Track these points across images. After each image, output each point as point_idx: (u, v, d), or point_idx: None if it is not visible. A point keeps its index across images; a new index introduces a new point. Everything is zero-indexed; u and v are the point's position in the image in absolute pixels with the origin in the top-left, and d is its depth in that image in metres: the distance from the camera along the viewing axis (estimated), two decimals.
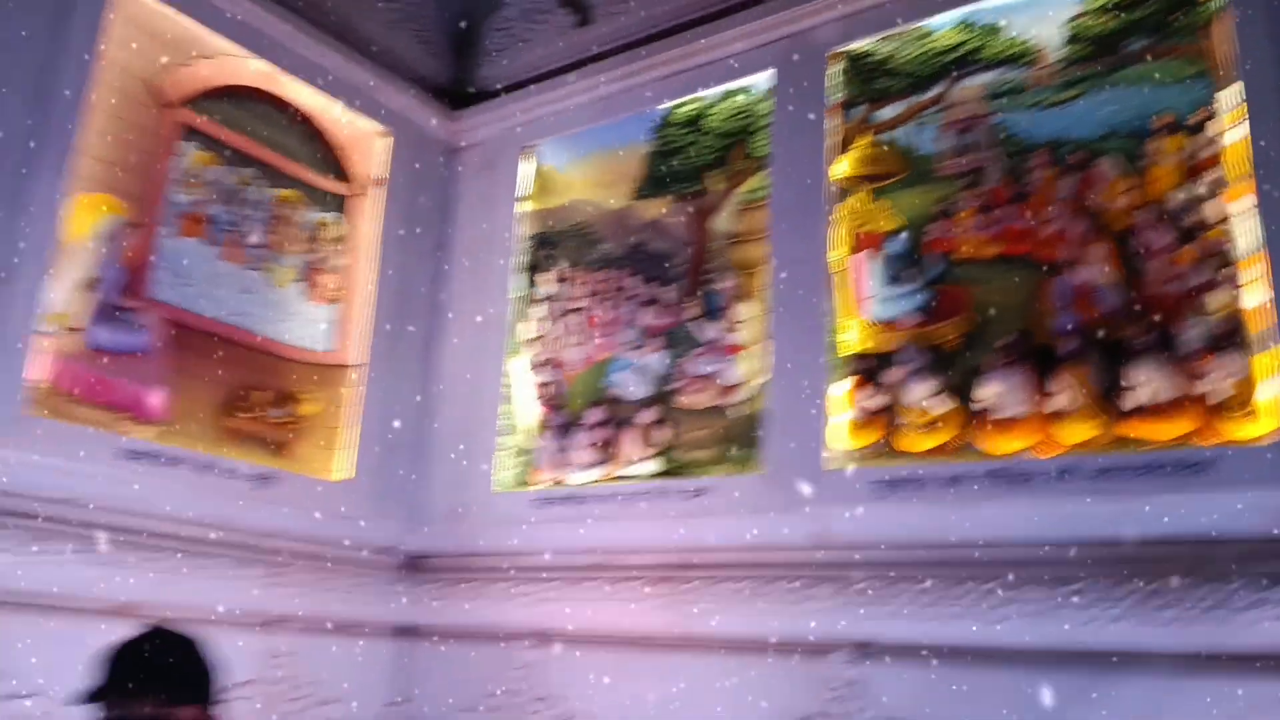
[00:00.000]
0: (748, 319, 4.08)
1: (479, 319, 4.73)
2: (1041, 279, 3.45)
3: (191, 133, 4.13)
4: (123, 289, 3.79)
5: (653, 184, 4.54)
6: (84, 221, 3.67)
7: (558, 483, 4.28)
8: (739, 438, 3.93)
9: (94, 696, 1.93)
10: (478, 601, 4.28)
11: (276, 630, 4.04)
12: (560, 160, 4.87)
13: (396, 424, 4.59)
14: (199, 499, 3.81)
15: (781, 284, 3.89)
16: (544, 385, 4.58)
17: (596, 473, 4.19)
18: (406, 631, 4.55)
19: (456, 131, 5.04)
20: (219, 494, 3.87)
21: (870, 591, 3.38)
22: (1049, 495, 3.17)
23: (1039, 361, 3.37)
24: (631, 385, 4.28)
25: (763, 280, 4.02)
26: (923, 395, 3.53)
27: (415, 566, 4.61)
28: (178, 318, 3.98)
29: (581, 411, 4.38)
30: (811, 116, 3.99)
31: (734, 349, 4.08)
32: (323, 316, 4.54)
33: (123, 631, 3.48)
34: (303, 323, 4.45)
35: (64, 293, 3.57)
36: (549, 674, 4.04)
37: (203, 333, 4.06)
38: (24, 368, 3.35)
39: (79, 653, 3.40)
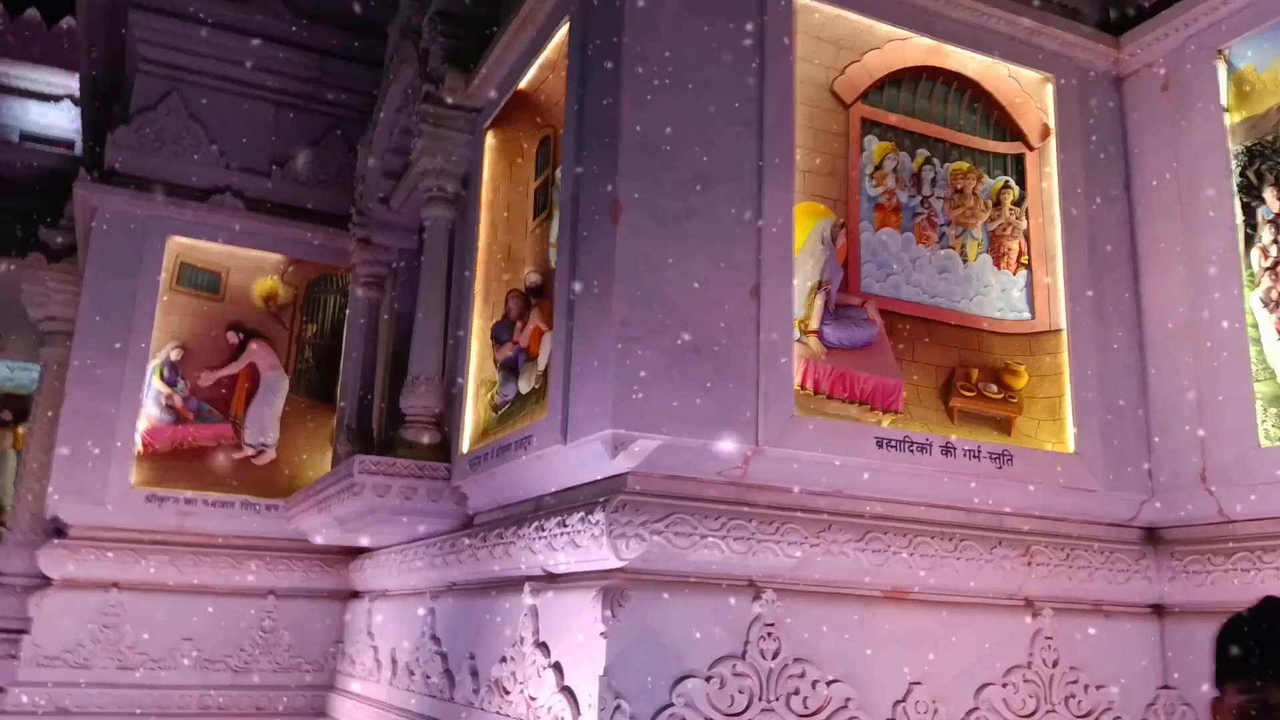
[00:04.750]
0: None
1: (1191, 257, 4.19)
2: None
3: (870, 125, 4.21)
4: (843, 287, 3.95)
5: None
6: (803, 229, 3.88)
7: None
8: None
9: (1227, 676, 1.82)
10: (1259, 573, 3.74)
11: (1037, 612, 3.91)
12: (1261, 58, 4.15)
13: (1116, 386, 4.23)
14: (946, 482, 3.83)
15: None
16: None
17: None
18: (1159, 610, 4.16)
19: (1122, 59, 4.56)
20: (962, 475, 3.84)
21: None
22: None
23: None
24: None
25: None
26: None
27: (1160, 538, 4.21)
28: (887, 307, 4.05)
29: None
30: None
31: None
32: (1016, 284, 4.34)
33: (895, 615, 3.60)
34: (998, 294, 4.30)
35: (800, 299, 3.80)
36: None
37: (911, 319, 4.08)
38: (791, 373, 3.61)
39: (868, 637, 3.60)
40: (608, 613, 3.15)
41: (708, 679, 3.25)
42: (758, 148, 3.74)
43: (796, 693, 3.37)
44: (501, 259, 4.96)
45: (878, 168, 4.21)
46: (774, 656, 3.37)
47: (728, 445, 3.43)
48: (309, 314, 7.48)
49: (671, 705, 3.18)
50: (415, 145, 5.31)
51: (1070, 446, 4.10)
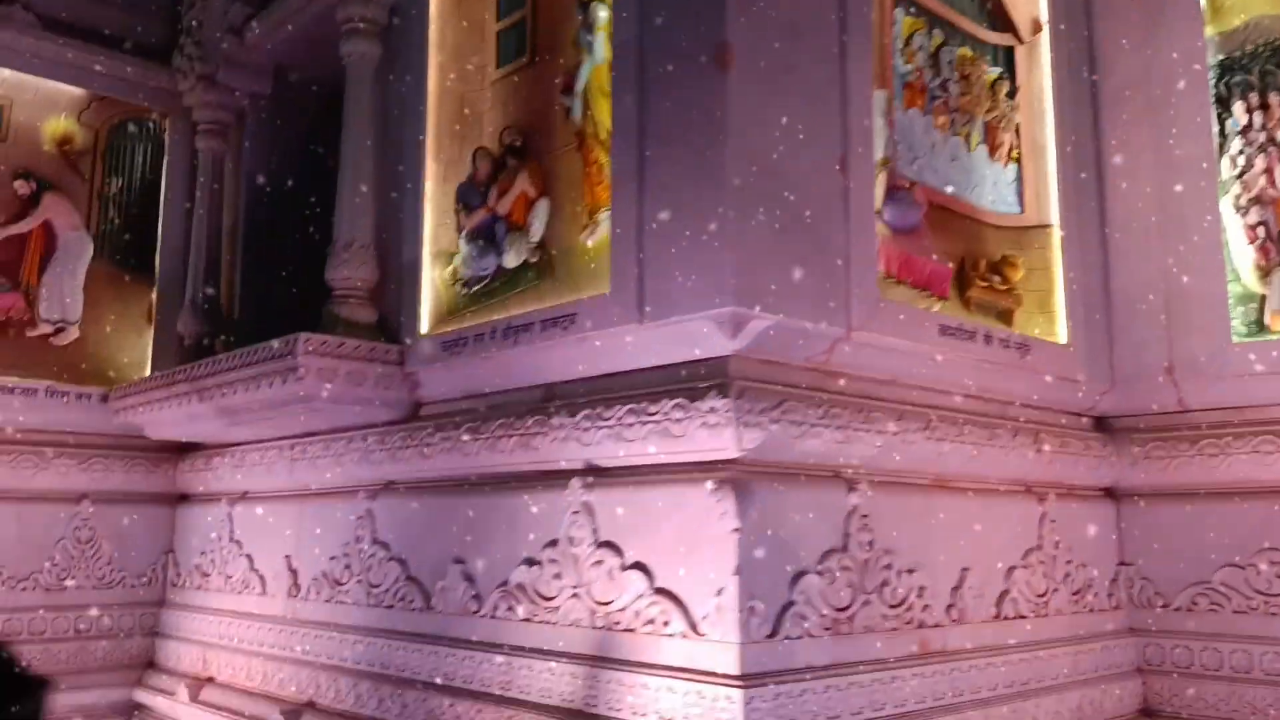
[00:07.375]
0: None
1: (1165, 159, 4.39)
2: None
3: None
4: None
5: None
6: None
7: None
8: None
9: None
10: (1226, 458, 4.08)
11: (1042, 497, 4.04)
12: None
13: (1092, 281, 4.40)
14: (984, 370, 3.81)
15: None
16: (1255, 226, 4.22)
17: None
18: (1111, 493, 4.45)
19: None
20: (995, 364, 3.84)
21: None
22: None
23: None
24: None
25: None
26: None
27: (1110, 426, 4.47)
28: None
29: None
30: None
31: None
32: (1007, 177, 4.36)
33: (944, 503, 3.57)
34: (993, 185, 4.30)
35: None
36: None
37: (931, 205, 3.99)
38: (876, 254, 3.39)
39: (929, 526, 3.54)
40: (739, 507, 2.85)
41: (819, 573, 3.05)
42: (838, 19, 3.42)
43: (886, 584, 3.26)
44: (452, 110, 4.29)
45: (907, 43, 4.02)
46: (870, 548, 3.22)
47: (824, 327, 3.18)
48: (111, 165, 6.18)
49: (794, 603, 2.96)
50: None
51: (1062, 338, 4.22)
